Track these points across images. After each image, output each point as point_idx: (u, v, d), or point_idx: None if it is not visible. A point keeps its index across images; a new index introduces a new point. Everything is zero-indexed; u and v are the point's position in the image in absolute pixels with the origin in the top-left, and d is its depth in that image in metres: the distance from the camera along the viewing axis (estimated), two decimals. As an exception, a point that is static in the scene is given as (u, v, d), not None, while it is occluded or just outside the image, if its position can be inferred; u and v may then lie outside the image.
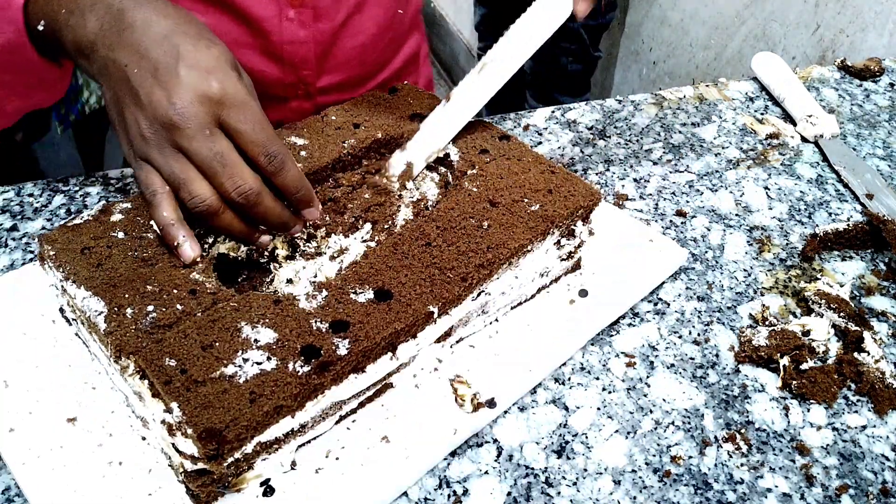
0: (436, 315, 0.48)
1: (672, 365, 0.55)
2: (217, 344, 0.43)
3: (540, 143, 0.77)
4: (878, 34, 1.12)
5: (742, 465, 0.49)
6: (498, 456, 0.48)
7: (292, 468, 0.46)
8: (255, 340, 0.44)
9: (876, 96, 0.87)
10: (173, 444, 0.41)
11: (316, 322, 0.45)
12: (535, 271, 0.55)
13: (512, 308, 0.56)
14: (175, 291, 0.46)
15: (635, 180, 0.72)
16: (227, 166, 0.46)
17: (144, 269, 0.48)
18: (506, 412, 0.51)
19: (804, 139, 0.79)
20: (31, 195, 0.66)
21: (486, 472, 0.47)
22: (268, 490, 0.44)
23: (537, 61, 1.82)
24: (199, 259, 0.48)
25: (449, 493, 0.46)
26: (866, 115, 0.84)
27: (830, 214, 0.70)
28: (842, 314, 0.57)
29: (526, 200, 0.54)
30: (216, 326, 0.44)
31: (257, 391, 0.41)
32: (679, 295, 0.60)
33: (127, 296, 0.46)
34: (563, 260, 0.57)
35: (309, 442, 0.47)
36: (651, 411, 0.52)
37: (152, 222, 0.49)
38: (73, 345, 0.51)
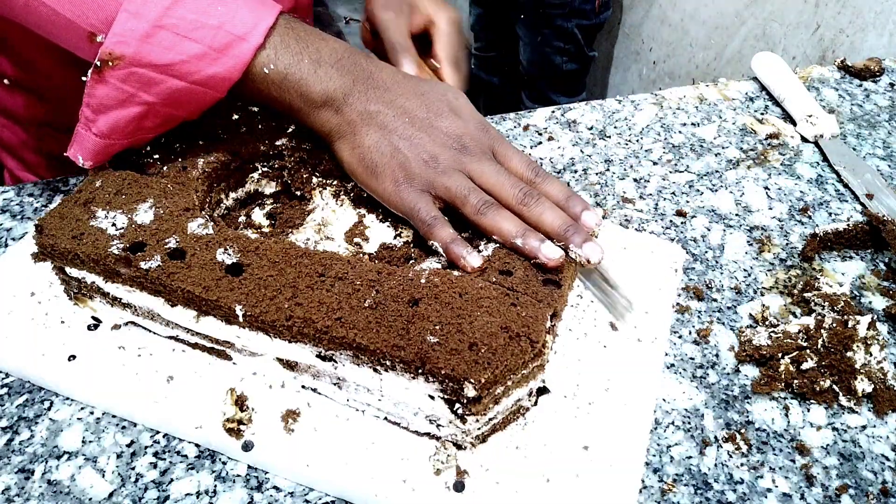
0: (241, 317, 0.46)
1: (672, 365, 0.55)
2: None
3: (540, 143, 0.77)
4: (878, 34, 1.12)
5: (742, 465, 0.49)
6: (498, 456, 0.48)
7: (95, 327, 0.53)
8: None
9: (876, 96, 0.87)
10: None
11: (221, 253, 0.49)
12: (417, 405, 0.45)
13: (387, 419, 0.48)
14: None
15: (635, 180, 0.72)
16: (510, 177, 0.53)
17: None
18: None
19: (804, 139, 0.79)
20: (31, 195, 0.66)
21: (486, 472, 0.47)
22: (91, 326, 0.53)
23: (532, 62, 1.82)
24: (481, 266, 0.50)
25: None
26: (866, 115, 0.84)
27: (830, 214, 0.70)
28: (842, 314, 0.57)
29: (452, 324, 0.44)
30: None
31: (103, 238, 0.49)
32: (679, 295, 0.60)
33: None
34: (462, 421, 0.44)
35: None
36: (651, 411, 0.52)
37: (434, 243, 0.51)
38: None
